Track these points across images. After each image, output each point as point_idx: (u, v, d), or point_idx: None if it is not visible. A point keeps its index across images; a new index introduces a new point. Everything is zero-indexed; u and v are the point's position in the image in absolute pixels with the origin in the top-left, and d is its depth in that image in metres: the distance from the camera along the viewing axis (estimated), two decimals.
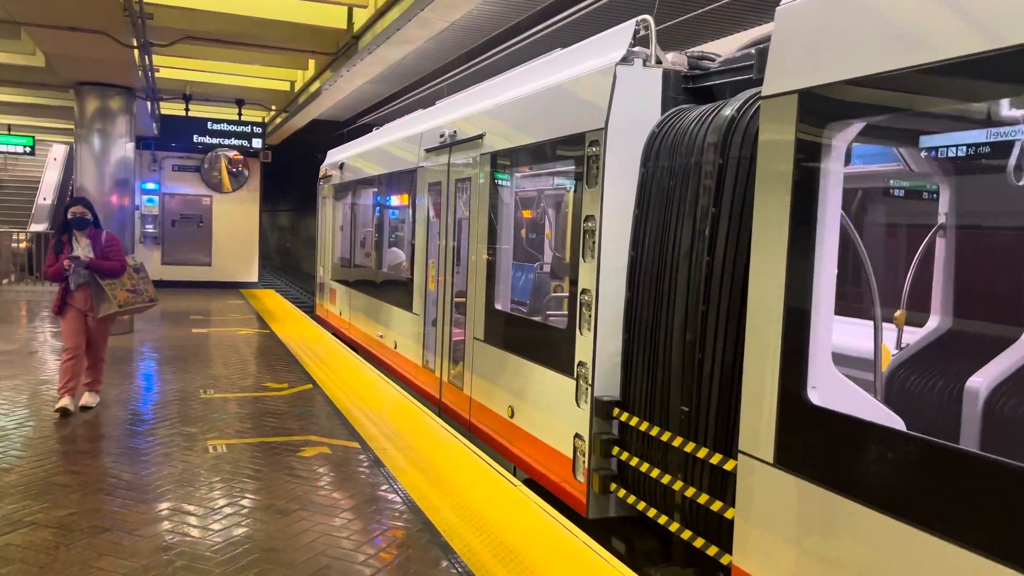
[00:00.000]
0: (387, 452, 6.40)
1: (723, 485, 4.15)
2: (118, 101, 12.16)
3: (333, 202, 14.50)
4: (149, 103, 14.08)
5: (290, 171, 30.71)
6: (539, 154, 6.35)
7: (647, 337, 4.89)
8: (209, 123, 15.66)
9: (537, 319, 6.83)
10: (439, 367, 8.32)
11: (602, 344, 5.13)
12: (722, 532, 4.13)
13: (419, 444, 6.63)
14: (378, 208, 11.67)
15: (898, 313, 5.58)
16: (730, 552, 3.97)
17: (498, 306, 6.90)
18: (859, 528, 3.17)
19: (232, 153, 20.17)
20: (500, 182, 6.90)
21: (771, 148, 3.69)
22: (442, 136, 8.28)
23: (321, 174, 15.83)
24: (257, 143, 15.94)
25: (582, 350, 5.28)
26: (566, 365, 5.47)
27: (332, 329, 13.99)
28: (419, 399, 8.68)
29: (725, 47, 5.90)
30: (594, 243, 5.17)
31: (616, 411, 5.05)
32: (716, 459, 4.17)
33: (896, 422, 3.46)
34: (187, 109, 15.47)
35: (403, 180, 10.11)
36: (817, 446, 3.43)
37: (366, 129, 15.11)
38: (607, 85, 5.10)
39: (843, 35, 3.36)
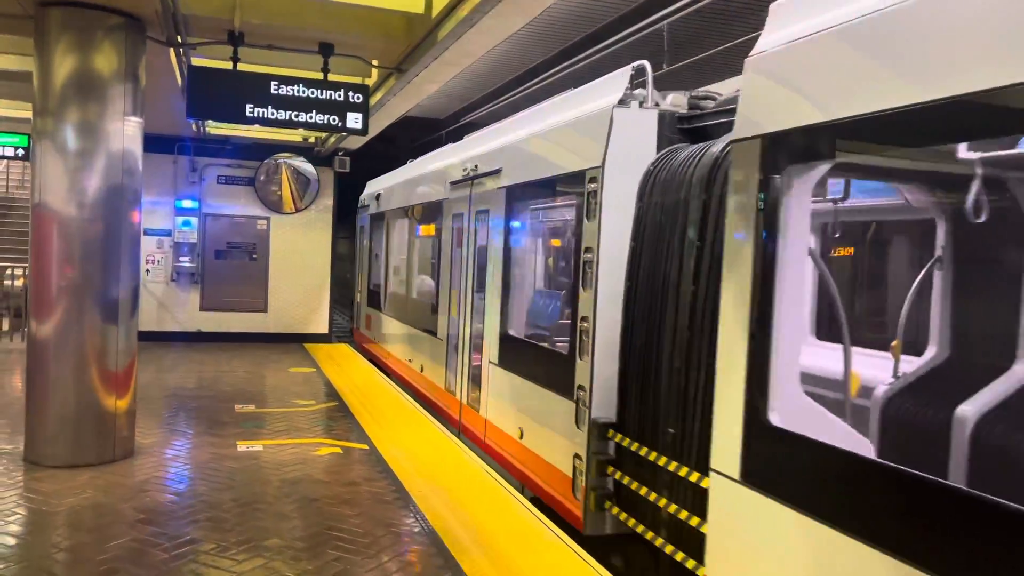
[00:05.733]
0: None
1: (702, 503, 4.40)
2: (110, 43, 6.40)
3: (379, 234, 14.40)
4: (173, 51, 7.84)
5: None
6: (535, 192, 7.05)
7: (640, 363, 5.17)
8: (274, 84, 8.13)
9: (544, 345, 7.20)
10: (459, 390, 8.73)
11: (599, 368, 5.44)
12: (701, 547, 4.37)
13: None
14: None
15: (894, 343, 5.74)
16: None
17: (512, 331, 7.29)
18: (812, 541, 3.39)
19: (299, 162, 15.43)
20: (516, 217, 7.51)
21: (740, 186, 3.98)
22: (465, 170, 8.83)
23: (361, 204, 15.34)
24: (355, 121, 8.37)
25: (581, 374, 5.59)
26: (568, 388, 5.79)
27: (383, 368, 12.76)
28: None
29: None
30: (592, 273, 5.51)
31: (611, 433, 5.33)
32: (694, 477, 4.42)
33: (863, 444, 3.67)
34: (235, 59, 8.07)
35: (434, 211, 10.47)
36: (777, 465, 3.67)
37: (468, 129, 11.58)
38: (604, 126, 5.45)
39: (799, 85, 3.64)
